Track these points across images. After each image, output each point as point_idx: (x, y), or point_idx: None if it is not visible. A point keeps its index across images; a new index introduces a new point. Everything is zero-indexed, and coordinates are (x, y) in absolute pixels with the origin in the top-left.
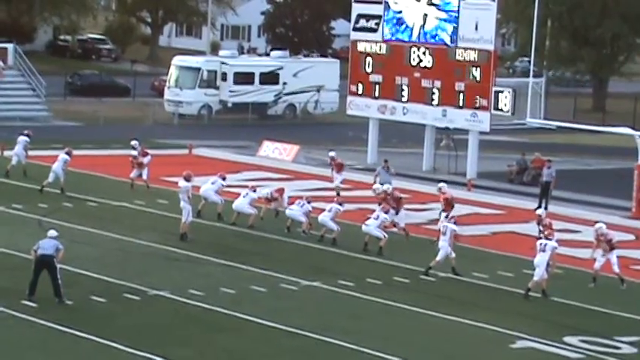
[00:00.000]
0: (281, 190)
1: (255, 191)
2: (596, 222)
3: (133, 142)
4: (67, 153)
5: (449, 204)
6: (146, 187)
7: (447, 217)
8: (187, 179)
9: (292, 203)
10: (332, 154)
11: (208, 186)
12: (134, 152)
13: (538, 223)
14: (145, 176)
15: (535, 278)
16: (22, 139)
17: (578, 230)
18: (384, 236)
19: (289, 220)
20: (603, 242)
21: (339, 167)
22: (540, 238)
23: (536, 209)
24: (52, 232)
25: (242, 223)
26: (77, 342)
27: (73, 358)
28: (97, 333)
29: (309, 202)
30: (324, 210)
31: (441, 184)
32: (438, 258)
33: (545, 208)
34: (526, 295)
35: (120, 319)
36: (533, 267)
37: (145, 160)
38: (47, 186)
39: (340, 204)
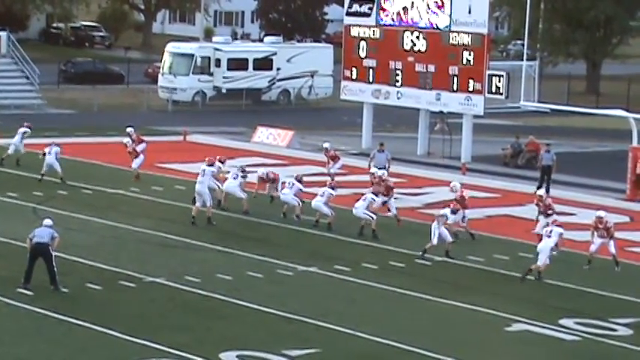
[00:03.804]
0: (276, 176)
1: (244, 172)
2: (598, 209)
3: (128, 129)
4: (57, 144)
5: (459, 203)
6: (135, 176)
7: (463, 218)
8: (210, 164)
9: (283, 187)
10: (326, 145)
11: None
12: (126, 140)
13: (537, 204)
14: (135, 165)
15: (538, 263)
16: (21, 130)
17: (574, 213)
18: (372, 217)
19: (285, 206)
20: (602, 230)
21: (334, 159)
22: (539, 220)
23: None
24: (48, 221)
25: (237, 209)
26: (73, 329)
27: (69, 345)
28: (93, 320)
29: (299, 181)
30: (317, 195)
31: (453, 184)
32: (433, 241)
33: (547, 192)
34: (522, 278)
35: (116, 306)
36: (529, 250)
37: (139, 147)
38: (46, 175)
39: (333, 188)
